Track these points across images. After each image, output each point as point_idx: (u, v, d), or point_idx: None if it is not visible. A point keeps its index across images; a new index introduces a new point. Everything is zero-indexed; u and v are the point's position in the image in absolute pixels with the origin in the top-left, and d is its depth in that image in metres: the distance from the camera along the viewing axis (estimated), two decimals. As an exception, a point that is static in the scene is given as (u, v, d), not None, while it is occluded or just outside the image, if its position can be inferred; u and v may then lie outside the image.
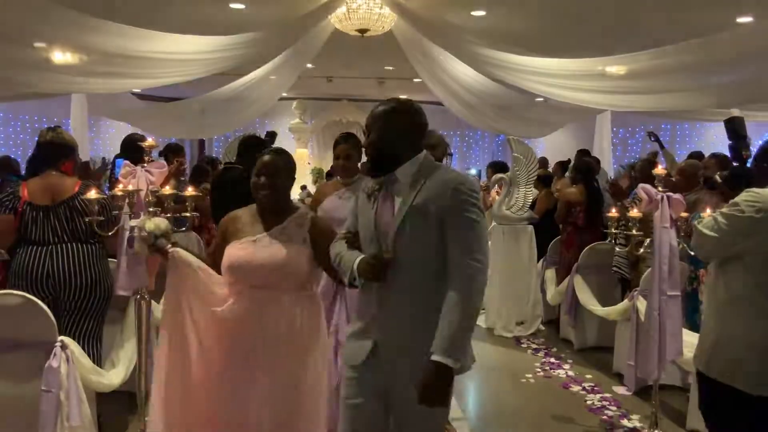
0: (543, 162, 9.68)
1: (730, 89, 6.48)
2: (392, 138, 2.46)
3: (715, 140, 13.04)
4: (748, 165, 3.42)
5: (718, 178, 5.03)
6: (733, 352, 2.70)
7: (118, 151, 5.58)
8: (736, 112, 7.85)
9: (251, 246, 2.94)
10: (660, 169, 4.06)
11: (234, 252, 2.96)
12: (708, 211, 3.83)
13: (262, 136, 7.43)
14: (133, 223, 3.07)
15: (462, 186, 2.37)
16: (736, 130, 6.01)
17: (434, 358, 2.23)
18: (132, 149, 4.53)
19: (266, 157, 3.01)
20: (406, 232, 2.36)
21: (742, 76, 6.13)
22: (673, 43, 5.81)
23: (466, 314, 2.27)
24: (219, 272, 3.02)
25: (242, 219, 3.07)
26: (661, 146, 7.77)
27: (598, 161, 9.28)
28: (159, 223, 3.03)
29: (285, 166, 3.04)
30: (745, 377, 2.64)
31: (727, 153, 6.77)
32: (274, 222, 2.99)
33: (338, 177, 4.18)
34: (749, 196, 2.71)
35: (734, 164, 6.02)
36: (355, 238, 2.58)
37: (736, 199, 2.76)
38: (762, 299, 2.66)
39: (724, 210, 2.80)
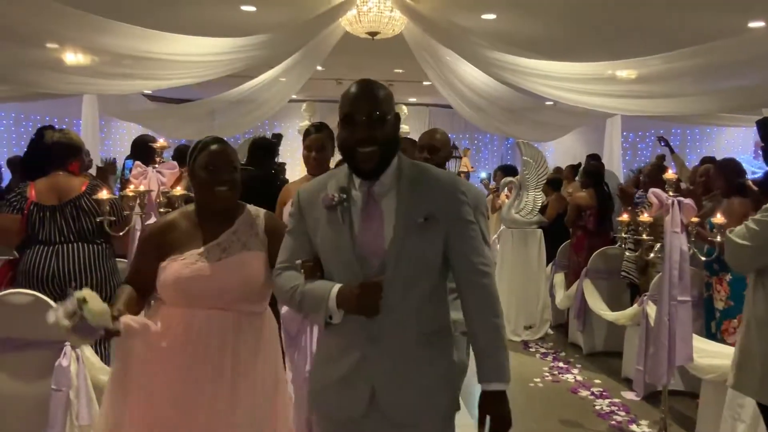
0: (558, 170, 9.66)
1: (741, 94, 6.45)
2: (396, 129, 2.09)
3: (726, 144, 12.99)
4: None
5: (750, 182, 4.97)
6: None
7: (128, 151, 5.61)
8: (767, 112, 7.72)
9: (200, 261, 2.39)
10: (670, 174, 4.04)
11: (177, 271, 2.39)
12: (719, 216, 3.81)
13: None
14: (51, 318, 2.12)
15: (461, 186, 2.07)
16: None
17: (493, 388, 2.03)
18: (143, 150, 4.55)
19: (215, 146, 2.45)
20: (402, 250, 1.97)
21: (754, 81, 6.11)
22: (684, 48, 5.79)
23: (499, 329, 2.02)
24: (144, 293, 2.52)
25: (179, 226, 2.49)
26: (672, 151, 7.74)
27: (602, 165, 9.26)
28: (94, 309, 2.13)
29: (236, 156, 2.54)
30: None
31: (734, 157, 6.73)
32: (220, 226, 2.46)
33: (308, 172, 3.74)
34: None
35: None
36: (315, 266, 2.07)
37: None
38: None
39: (756, 216, 2.67)
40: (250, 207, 2.58)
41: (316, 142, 3.63)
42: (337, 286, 1.97)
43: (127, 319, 2.27)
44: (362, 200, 2.03)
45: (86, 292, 2.13)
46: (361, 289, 1.94)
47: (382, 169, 2.02)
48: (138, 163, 3.72)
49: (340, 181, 2.07)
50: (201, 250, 2.41)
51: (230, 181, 2.43)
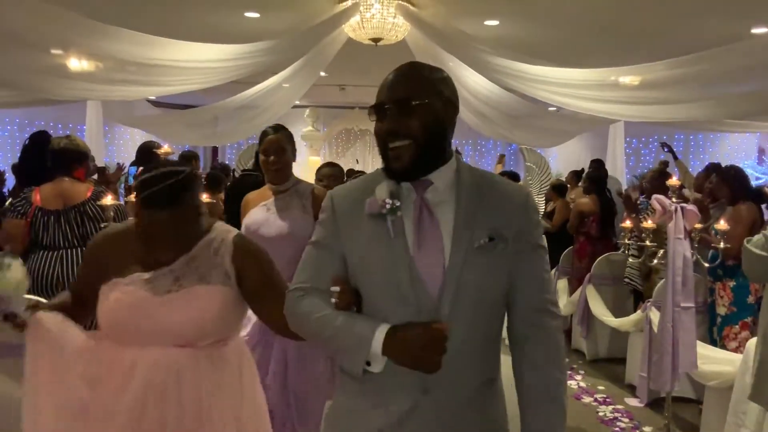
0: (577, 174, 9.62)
1: (744, 100, 6.45)
2: (445, 121, 1.68)
3: (730, 151, 12.98)
4: None
5: (767, 189, 4.95)
6: None
7: (132, 157, 5.63)
8: None
9: (143, 289, 1.99)
10: (674, 180, 4.05)
11: (116, 299, 1.99)
12: (722, 222, 3.81)
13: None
14: None
15: (534, 203, 1.74)
16: None
17: None
18: (147, 156, 4.57)
19: (159, 162, 2.03)
20: (462, 277, 1.60)
21: (757, 87, 6.11)
22: (687, 54, 5.79)
23: (560, 386, 1.69)
24: (81, 317, 2.16)
25: (129, 241, 2.07)
26: (675, 157, 7.74)
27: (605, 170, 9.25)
28: (11, 276, 1.95)
29: (192, 170, 2.06)
30: None
31: (735, 164, 6.72)
32: (176, 250, 2.04)
33: (267, 181, 3.36)
34: None
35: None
36: (351, 297, 1.65)
37: None
38: None
39: None
40: (219, 226, 2.13)
41: (274, 144, 3.23)
42: (384, 327, 1.55)
43: (43, 315, 1.99)
44: (414, 210, 1.63)
45: (15, 260, 1.99)
46: (424, 335, 1.52)
47: (420, 170, 1.64)
48: (142, 169, 3.74)
49: (390, 184, 1.65)
50: (148, 275, 2.00)
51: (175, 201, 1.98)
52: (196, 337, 2.01)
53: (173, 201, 1.96)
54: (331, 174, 4.12)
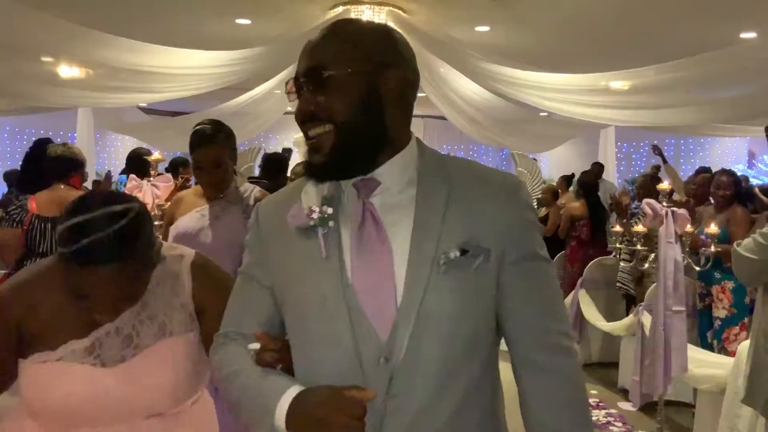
0: (599, 169, 9.62)
1: (734, 104, 6.50)
2: (376, 95, 1.19)
3: (720, 155, 13.07)
4: None
5: (758, 191, 4.97)
6: None
7: (123, 164, 5.62)
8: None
9: (85, 363, 1.45)
10: (664, 185, 4.06)
11: (53, 384, 1.45)
12: (713, 226, 3.83)
13: (265, 151, 7.46)
14: None
15: (526, 196, 1.27)
16: None
17: None
18: (138, 163, 4.56)
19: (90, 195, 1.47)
20: (429, 306, 1.15)
21: (746, 91, 6.16)
22: (677, 59, 5.83)
23: None
24: None
25: (44, 297, 1.49)
26: (664, 161, 7.77)
27: (600, 171, 9.31)
28: None
29: (139, 205, 1.48)
30: None
31: (728, 168, 6.76)
32: (120, 300, 1.45)
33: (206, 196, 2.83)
34: None
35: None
36: (278, 354, 1.22)
37: None
38: None
39: (764, 230, 2.61)
40: (170, 251, 1.59)
41: (208, 158, 2.66)
42: (294, 391, 1.14)
43: None
44: (354, 219, 1.19)
45: None
46: (329, 405, 1.09)
47: (351, 165, 1.19)
48: (133, 176, 3.73)
49: (322, 187, 1.22)
50: (87, 342, 1.45)
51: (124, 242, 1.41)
52: (170, 406, 1.54)
53: (122, 253, 1.38)
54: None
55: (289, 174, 5.17)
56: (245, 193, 2.87)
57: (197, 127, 2.70)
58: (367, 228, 1.19)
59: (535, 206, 7.10)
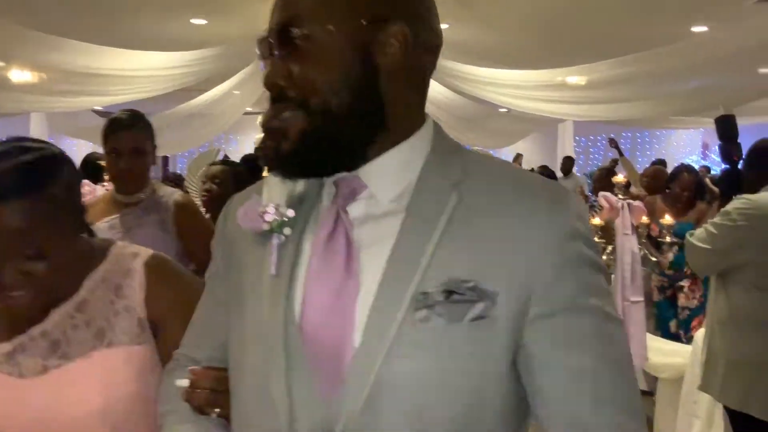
0: (569, 163, 9.76)
1: (687, 97, 6.64)
2: (368, 64, 0.85)
3: (676, 146, 13.33)
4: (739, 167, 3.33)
5: (708, 181, 5.04)
6: (746, 376, 2.51)
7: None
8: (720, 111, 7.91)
9: (2, 373, 1.18)
10: (619, 178, 4.13)
11: None
12: (667, 217, 3.90)
13: (225, 153, 7.38)
14: None
15: (573, 212, 0.85)
16: (726, 129, 5.87)
17: None
18: (91, 168, 4.47)
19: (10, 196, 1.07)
20: (396, 367, 0.79)
21: (699, 84, 6.29)
22: (631, 53, 5.93)
23: None
24: None
25: None
26: (621, 154, 7.90)
27: (570, 166, 9.44)
28: None
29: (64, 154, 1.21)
30: (760, 404, 2.46)
31: (682, 161, 6.91)
32: (46, 293, 1.16)
33: (115, 191, 2.38)
34: (741, 204, 2.54)
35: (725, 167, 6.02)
36: (217, 388, 0.94)
37: (728, 207, 2.59)
38: None
39: (715, 220, 2.64)
40: (119, 249, 1.28)
41: (128, 143, 2.25)
42: None
43: None
44: (322, 229, 0.87)
45: None
46: None
47: (325, 160, 0.86)
48: (86, 181, 3.65)
49: (291, 182, 0.90)
50: (8, 348, 1.19)
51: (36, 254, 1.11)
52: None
53: (30, 187, 1.10)
54: (221, 175, 2.89)
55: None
56: (163, 198, 2.39)
57: (113, 116, 2.34)
58: (334, 247, 0.85)
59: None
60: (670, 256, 4.29)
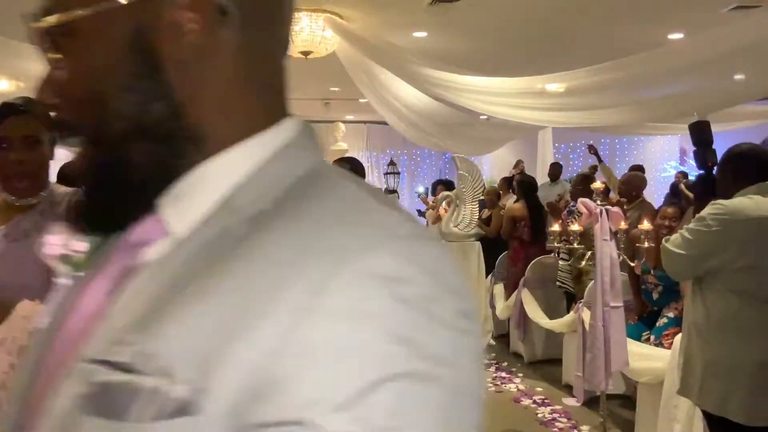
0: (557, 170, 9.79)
1: (664, 103, 6.69)
2: (145, 57, 0.58)
3: (653, 153, 13.46)
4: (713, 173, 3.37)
5: (683, 186, 5.10)
6: (722, 380, 2.54)
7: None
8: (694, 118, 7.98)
9: None
10: (597, 184, 4.17)
11: None
12: (645, 223, 3.94)
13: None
14: None
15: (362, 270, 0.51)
16: (701, 134, 5.96)
17: None
18: (68, 177, 4.43)
19: None
20: None
21: (675, 90, 6.35)
22: (609, 60, 5.98)
23: None
24: None
25: None
26: (599, 160, 7.97)
27: (558, 172, 9.51)
28: None
29: None
30: (737, 408, 2.50)
31: (660, 166, 6.97)
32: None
33: (4, 192, 1.93)
34: (715, 209, 2.57)
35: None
36: None
37: (702, 212, 2.62)
38: (747, 319, 2.51)
39: (690, 225, 2.67)
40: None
41: (21, 128, 1.86)
42: None
43: None
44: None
45: None
46: None
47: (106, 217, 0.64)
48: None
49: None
50: None
51: None
52: None
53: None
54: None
55: None
56: (59, 198, 1.99)
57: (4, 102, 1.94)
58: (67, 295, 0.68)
59: (477, 209, 7.17)
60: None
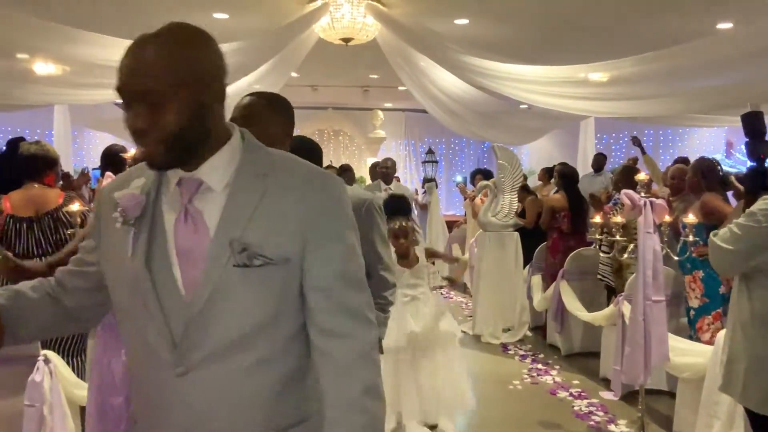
0: (602, 160, 9.76)
1: (711, 94, 6.55)
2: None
3: (698, 145, 13.18)
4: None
5: (733, 178, 4.98)
6: (766, 377, 2.52)
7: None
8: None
9: None
10: (642, 176, 4.09)
11: None
12: (690, 216, 3.86)
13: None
14: None
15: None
16: (753, 126, 5.78)
17: None
18: (112, 160, 4.50)
19: None
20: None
21: (723, 81, 6.20)
22: (655, 50, 5.86)
23: None
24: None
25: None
26: (643, 152, 7.82)
27: (603, 163, 9.37)
28: None
29: None
30: None
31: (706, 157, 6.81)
32: None
33: None
34: (766, 204, 2.53)
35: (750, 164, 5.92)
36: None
37: (753, 207, 2.58)
38: None
39: (740, 220, 2.62)
40: None
41: None
42: None
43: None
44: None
45: None
46: None
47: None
48: (109, 173, 3.68)
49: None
50: None
51: None
52: None
53: None
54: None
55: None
56: None
57: None
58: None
59: (516, 199, 7.10)
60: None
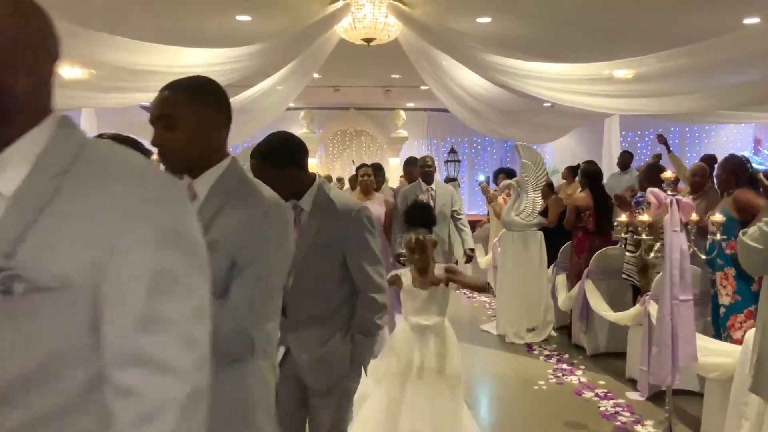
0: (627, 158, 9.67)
1: (738, 91, 6.46)
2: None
3: (725, 141, 13.00)
4: None
5: (762, 176, 4.91)
6: None
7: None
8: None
9: None
10: (668, 174, 4.04)
11: None
12: (717, 214, 3.81)
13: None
14: None
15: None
16: None
17: None
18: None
19: None
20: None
21: (750, 78, 6.12)
22: (680, 46, 5.79)
23: None
24: None
25: None
26: (669, 150, 7.73)
27: (629, 161, 9.30)
28: None
29: None
30: None
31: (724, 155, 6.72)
32: None
33: None
34: None
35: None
36: None
37: None
38: None
39: None
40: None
41: None
42: None
43: None
44: None
45: None
46: None
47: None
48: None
49: None
50: None
51: None
52: None
53: None
54: None
55: None
56: None
57: None
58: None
59: (540, 197, 7.06)
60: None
